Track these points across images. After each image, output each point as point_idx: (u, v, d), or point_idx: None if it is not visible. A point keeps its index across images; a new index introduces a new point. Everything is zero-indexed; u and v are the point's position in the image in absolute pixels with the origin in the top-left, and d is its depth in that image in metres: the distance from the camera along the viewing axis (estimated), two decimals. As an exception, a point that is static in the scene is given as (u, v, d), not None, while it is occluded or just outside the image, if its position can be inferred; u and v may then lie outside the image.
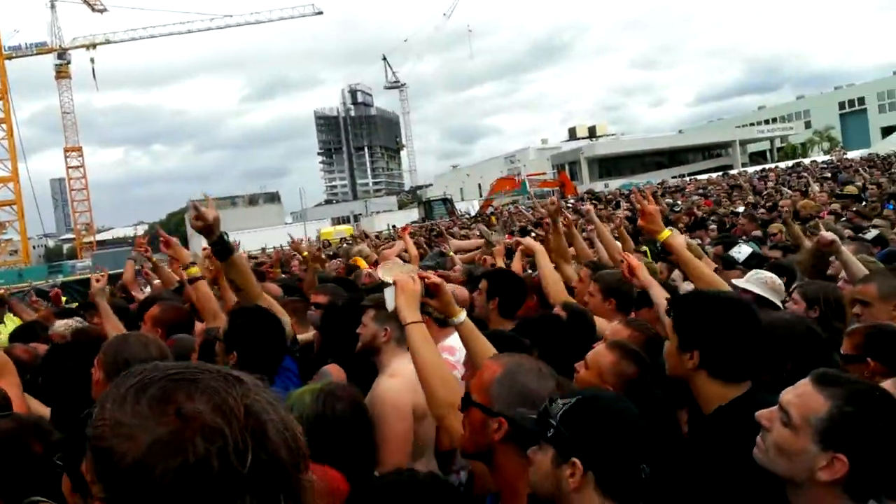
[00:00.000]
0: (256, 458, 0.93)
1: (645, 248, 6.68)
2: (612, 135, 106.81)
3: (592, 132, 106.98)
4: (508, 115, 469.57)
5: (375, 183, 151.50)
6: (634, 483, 1.72)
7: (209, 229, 3.52)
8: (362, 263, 7.21)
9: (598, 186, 51.06)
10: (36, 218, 67.44)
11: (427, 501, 1.86)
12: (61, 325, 5.18)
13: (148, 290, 7.41)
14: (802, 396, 1.81)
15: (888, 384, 2.14)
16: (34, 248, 74.30)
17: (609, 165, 78.05)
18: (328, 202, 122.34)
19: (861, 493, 1.71)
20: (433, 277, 2.79)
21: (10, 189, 61.38)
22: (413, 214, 54.27)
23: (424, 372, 2.52)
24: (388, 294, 2.73)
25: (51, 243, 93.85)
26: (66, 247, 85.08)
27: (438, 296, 2.73)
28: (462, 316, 2.73)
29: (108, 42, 79.66)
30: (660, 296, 3.34)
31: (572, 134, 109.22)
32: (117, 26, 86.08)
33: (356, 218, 72.37)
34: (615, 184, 51.33)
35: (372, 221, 55.48)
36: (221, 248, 3.58)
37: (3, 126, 59.93)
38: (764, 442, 1.86)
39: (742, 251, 5.88)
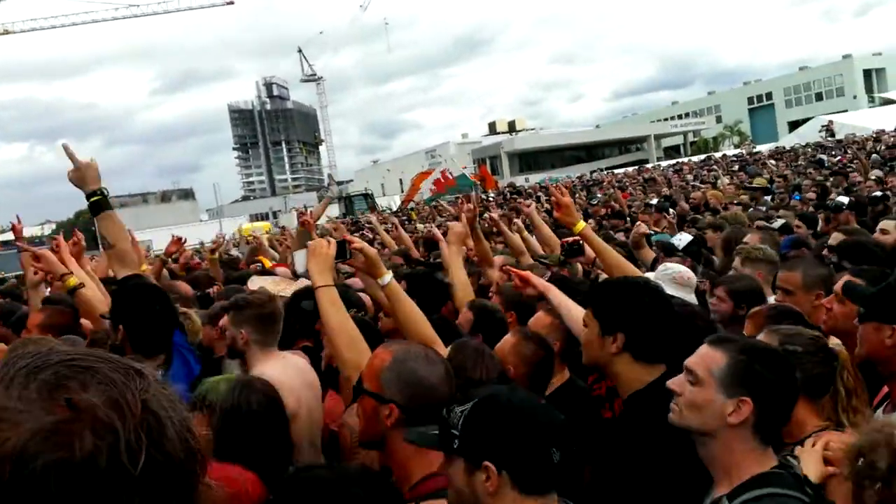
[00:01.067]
0: (150, 458, 0.85)
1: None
2: (532, 129, 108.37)
3: (512, 127, 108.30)
4: (428, 110, 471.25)
5: (294, 178, 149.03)
6: (548, 470, 1.74)
7: (82, 178, 3.39)
8: (266, 262, 7.12)
9: (519, 180, 51.50)
10: (-70, 218, 63.25)
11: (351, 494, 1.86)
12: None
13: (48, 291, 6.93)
14: (703, 356, 2.02)
15: (762, 336, 2.43)
16: None
17: (529, 160, 79.05)
18: (245, 198, 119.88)
19: (767, 434, 1.95)
20: (357, 241, 2.96)
21: None
22: (334, 210, 53.51)
23: (332, 334, 2.62)
24: (299, 257, 2.85)
25: None
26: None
27: (365, 258, 2.91)
28: (388, 277, 2.89)
29: (6, 32, 75.68)
30: (558, 296, 3.26)
31: (492, 128, 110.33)
32: (16, 16, 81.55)
33: (275, 214, 70.89)
34: (535, 178, 51.93)
35: (291, 217, 54.38)
36: (96, 203, 3.43)
37: None
38: (677, 405, 2.03)
39: (682, 238, 6.04)
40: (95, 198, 3.43)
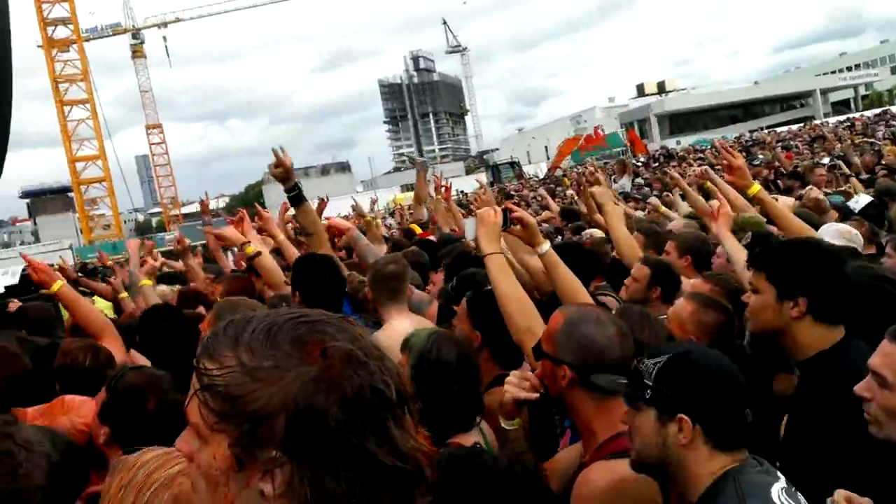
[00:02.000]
0: (395, 386, 0.99)
1: None
2: (683, 89, 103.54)
3: (662, 88, 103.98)
4: (573, 75, 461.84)
5: (442, 149, 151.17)
6: (741, 429, 1.74)
7: (286, 176, 3.97)
8: (417, 229, 7.19)
9: (670, 144, 49.67)
10: (125, 193, 70.14)
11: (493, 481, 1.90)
12: (163, 290, 5.48)
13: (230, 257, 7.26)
14: (888, 356, 1.85)
15: None
16: (125, 221, 77.61)
17: (680, 121, 75.75)
18: (396, 169, 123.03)
19: None
20: (517, 211, 2.99)
21: (99, 166, 64.25)
22: (481, 179, 54.08)
23: (502, 300, 2.66)
24: (469, 225, 2.93)
25: (140, 217, 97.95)
26: (154, 220, 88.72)
27: (524, 227, 2.95)
28: (546, 246, 2.93)
29: (178, 20, 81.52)
30: (735, 248, 3.27)
31: (640, 91, 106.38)
32: (186, 4, 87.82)
33: (425, 184, 72.42)
34: (687, 140, 49.86)
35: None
36: (296, 195, 4.03)
37: (87, 106, 62.43)
38: (871, 413, 1.88)
39: (860, 200, 5.81)
40: (294, 192, 4.02)
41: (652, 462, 1.79)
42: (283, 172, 3.98)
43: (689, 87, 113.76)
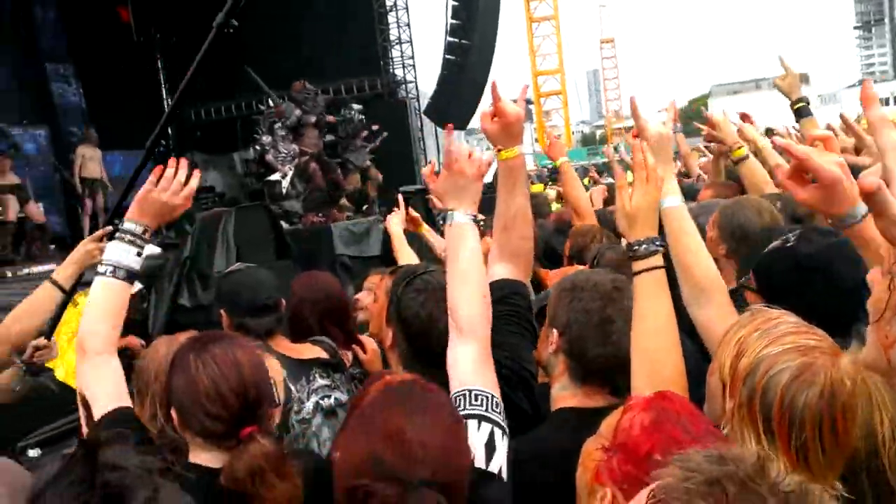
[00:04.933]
0: None
1: None
2: None
3: None
4: None
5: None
6: None
7: (790, 87, 3.92)
8: None
9: None
10: (575, 106, 74.95)
11: None
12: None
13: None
14: None
15: None
16: (573, 133, 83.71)
17: None
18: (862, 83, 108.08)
19: None
20: None
21: (557, 80, 69.88)
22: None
23: None
24: None
25: (586, 129, 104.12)
26: (598, 133, 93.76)
27: None
28: None
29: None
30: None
31: None
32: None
33: (898, 99, 62.85)
34: None
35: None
36: (800, 108, 3.99)
37: (552, 22, 67.72)
38: None
39: None
40: (799, 105, 3.93)
41: None
42: (790, 83, 3.85)
43: None
